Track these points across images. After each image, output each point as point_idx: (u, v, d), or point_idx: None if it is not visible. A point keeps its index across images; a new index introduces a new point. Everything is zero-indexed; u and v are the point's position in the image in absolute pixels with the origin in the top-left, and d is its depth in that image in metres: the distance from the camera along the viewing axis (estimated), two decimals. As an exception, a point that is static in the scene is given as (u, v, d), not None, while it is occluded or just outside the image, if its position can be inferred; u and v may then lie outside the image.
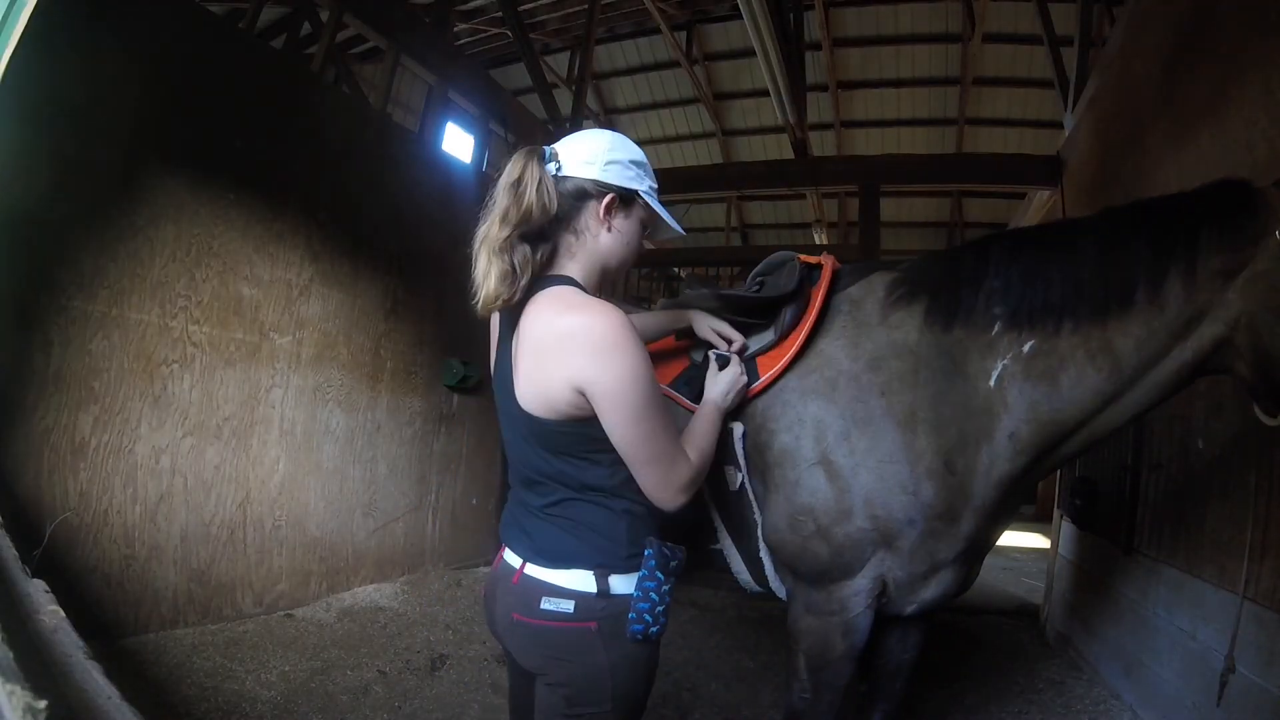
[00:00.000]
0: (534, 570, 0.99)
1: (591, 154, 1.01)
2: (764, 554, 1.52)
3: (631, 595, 0.97)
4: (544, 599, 0.96)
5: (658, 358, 1.54)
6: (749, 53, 5.86)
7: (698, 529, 1.60)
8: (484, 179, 4.24)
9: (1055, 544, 3.61)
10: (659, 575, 0.98)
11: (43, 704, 0.70)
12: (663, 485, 0.98)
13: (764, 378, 1.46)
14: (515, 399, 0.98)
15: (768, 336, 1.52)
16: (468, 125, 5.83)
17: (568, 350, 0.91)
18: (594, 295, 1.00)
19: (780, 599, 1.57)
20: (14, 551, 1.31)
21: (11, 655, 0.79)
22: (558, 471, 0.98)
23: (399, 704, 2.24)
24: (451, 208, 3.84)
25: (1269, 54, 1.82)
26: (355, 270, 3.29)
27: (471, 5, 6.87)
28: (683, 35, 7.64)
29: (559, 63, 7.37)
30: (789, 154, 5.62)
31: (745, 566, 1.59)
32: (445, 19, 4.84)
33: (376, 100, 3.91)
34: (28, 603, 1.16)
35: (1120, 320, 1.27)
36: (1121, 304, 1.26)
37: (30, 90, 1.79)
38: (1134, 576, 2.48)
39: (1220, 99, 2.06)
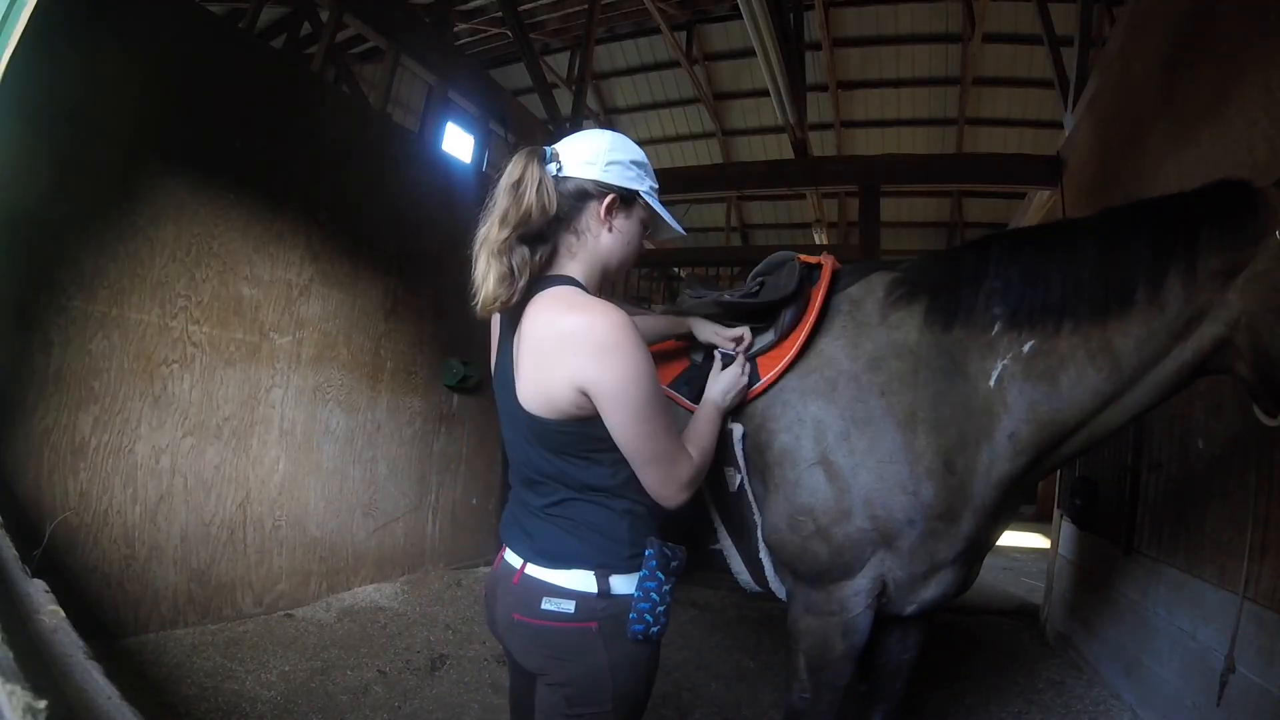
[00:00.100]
0: (535, 570, 0.99)
1: (592, 154, 1.01)
2: (764, 554, 1.52)
3: (632, 595, 0.97)
4: (545, 599, 0.96)
5: (658, 358, 1.53)
6: (749, 53, 5.86)
7: (698, 529, 1.60)
8: (484, 179, 4.24)
9: (1055, 544, 3.61)
10: (660, 575, 0.98)
11: (43, 704, 0.70)
12: (665, 483, 0.98)
13: (764, 378, 1.46)
14: (517, 399, 0.98)
15: (768, 337, 1.52)
16: (468, 125, 5.83)
17: (570, 350, 0.91)
18: (595, 295, 1.00)
19: (780, 599, 1.57)
20: (14, 551, 1.31)
21: (11, 655, 0.79)
22: (559, 471, 0.98)
23: (399, 704, 2.24)
24: (451, 208, 3.84)
25: (1269, 54, 1.82)
26: (355, 270, 3.29)
27: (471, 5, 6.86)
28: (683, 35, 7.64)
29: (559, 63, 7.37)
30: (789, 154, 5.62)
31: (745, 567, 1.59)
32: (445, 19, 4.84)
33: (376, 100, 3.91)
34: (28, 603, 1.16)
35: (1120, 320, 1.27)
36: (1121, 304, 1.26)
37: (30, 90, 1.79)
38: (1134, 576, 2.48)
39: (1220, 99, 2.05)
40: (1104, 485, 2.86)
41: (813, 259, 1.63)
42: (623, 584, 0.98)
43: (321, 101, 3.23)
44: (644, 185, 1.05)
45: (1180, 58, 2.42)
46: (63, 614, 1.13)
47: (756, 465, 1.49)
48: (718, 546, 1.61)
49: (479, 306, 0.98)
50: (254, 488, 2.80)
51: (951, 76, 7.41)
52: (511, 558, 1.04)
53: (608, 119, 8.91)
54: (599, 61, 7.99)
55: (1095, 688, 2.57)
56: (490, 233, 0.96)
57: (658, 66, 8.29)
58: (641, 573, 0.98)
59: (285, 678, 2.27)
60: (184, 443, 2.53)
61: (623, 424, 0.93)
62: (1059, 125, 4.37)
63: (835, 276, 1.58)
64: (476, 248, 0.98)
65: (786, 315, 1.51)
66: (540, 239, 0.99)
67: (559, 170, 1.00)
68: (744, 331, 1.46)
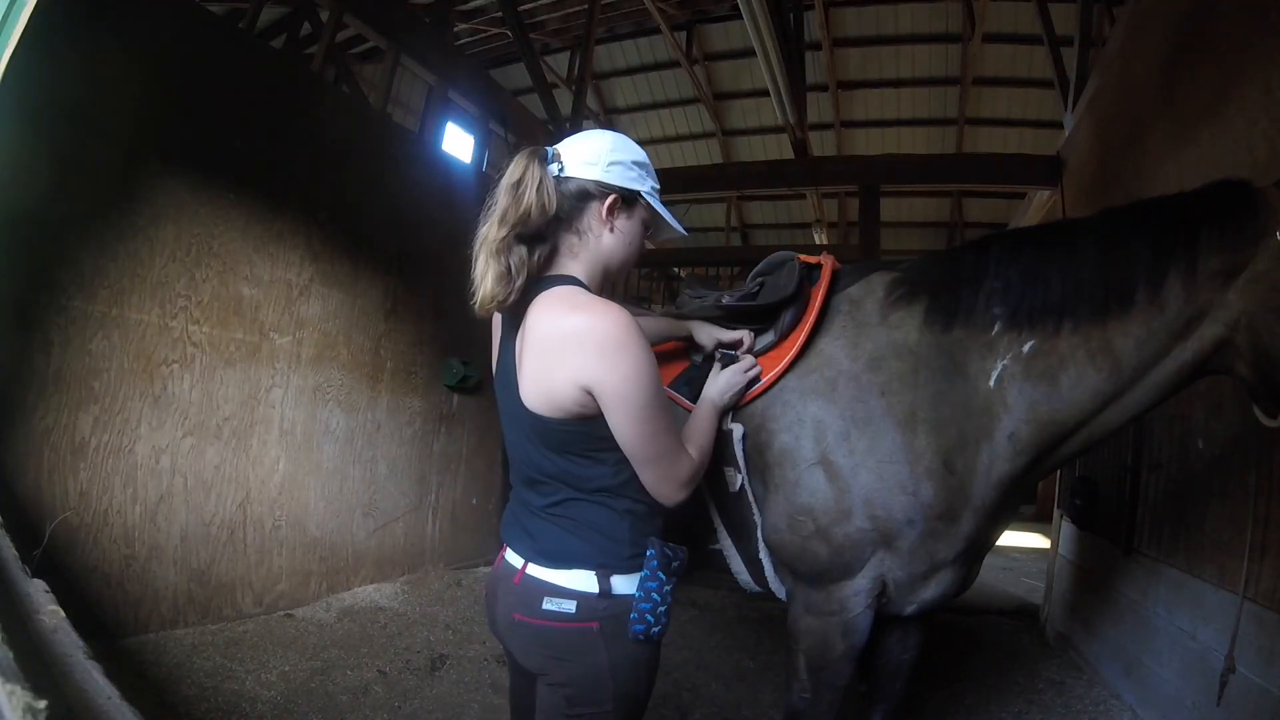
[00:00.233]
0: (536, 570, 0.99)
1: (594, 155, 1.01)
2: (763, 555, 1.52)
3: (633, 595, 0.97)
4: (546, 599, 0.97)
5: (658, 358, 1.54)
6: (749, 53, 5.86)
7: (698, 529, 1.60)
8: (484, 179, 4.24)
9: (1055, 544, 3.61)
10: (661, 575, 0.98)
11: (43, 704, 0.70)
12: (665, 481, 0.99)
13: (764, 379, 1.46)
14: (519, 398, 0.98)
15: (768, 337, 1.52)
16: (468, 125, 5.83)
17: (574, 349, 0.91)
18: (597, 295, 1.00)
19: (780, 599, 1.57)
20: (14, 551, 1.31)
21: (11, 655, 0.79)
22: (561, 471, 0.99)
23: (399, 704, 2.24)
24: (451, 208, 3.84)
25: (1269, 54, 1.82)
26: (355, 270, 3.29)
27: (471, 5, 6.86)
28: (683, 35, 7.64)
29: (559, 63, 7.37)
30: (789, 154, 5.62)
31: (745, 567, 1.59)
32: (445, 19, 4.84)
33: (376, 100, 3.91)
34: (28, 603, 1.16)
35: (1120, 320, 1.26)
36: (1121, 304, 1.26)
37: (30, 90, 1.79)
38: (1134, 576, 2.48)
39: (1220, 99, 2.05)
40: (1104, 485, 2.86)
41: (813, 259, 1.63)
42: (624, 584, 0.98)
43: (321, 101, 3.23)
44: (645, 186, 1.05)
45: (1180, 58, 2.42)
46: (63, 614, 1.13)
47: (756, 465, 1.49)
48: (718, 546, 1.61)
49: (477, 306, 0.98)
50: (254, 488, 2.80)
51: (951, 76, 7.41)
52: (512, 558, 1.04)
53: (608, 119, 8.91)
54: (599, 61, 7.99)
55: (1095, 688, 2.57)
56: (489, 232, 0.97)
57: (658, 66, 8.29)
58: (643, 573, 0.98)
59: (285, 678, 2.27)
60: (184, 443, 2.53)
61: (626, 423, 0.94)
62: (1059, 125, 4.37)
63: (835, 276, 1.58)
64: (476, 247, 0.98)
65: (786, 316, 1.52)
66: (539, 239, 0.99)
67: (561, 170, 1.00)
68: (743, 335, 1.46)
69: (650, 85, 8.65)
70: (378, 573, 3.40)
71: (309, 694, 2.20)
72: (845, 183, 5.92)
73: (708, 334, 1.49)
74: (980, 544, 1.47)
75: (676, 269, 6.96)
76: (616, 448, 0.97)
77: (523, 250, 0.97)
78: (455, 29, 6.41)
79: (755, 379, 1.45)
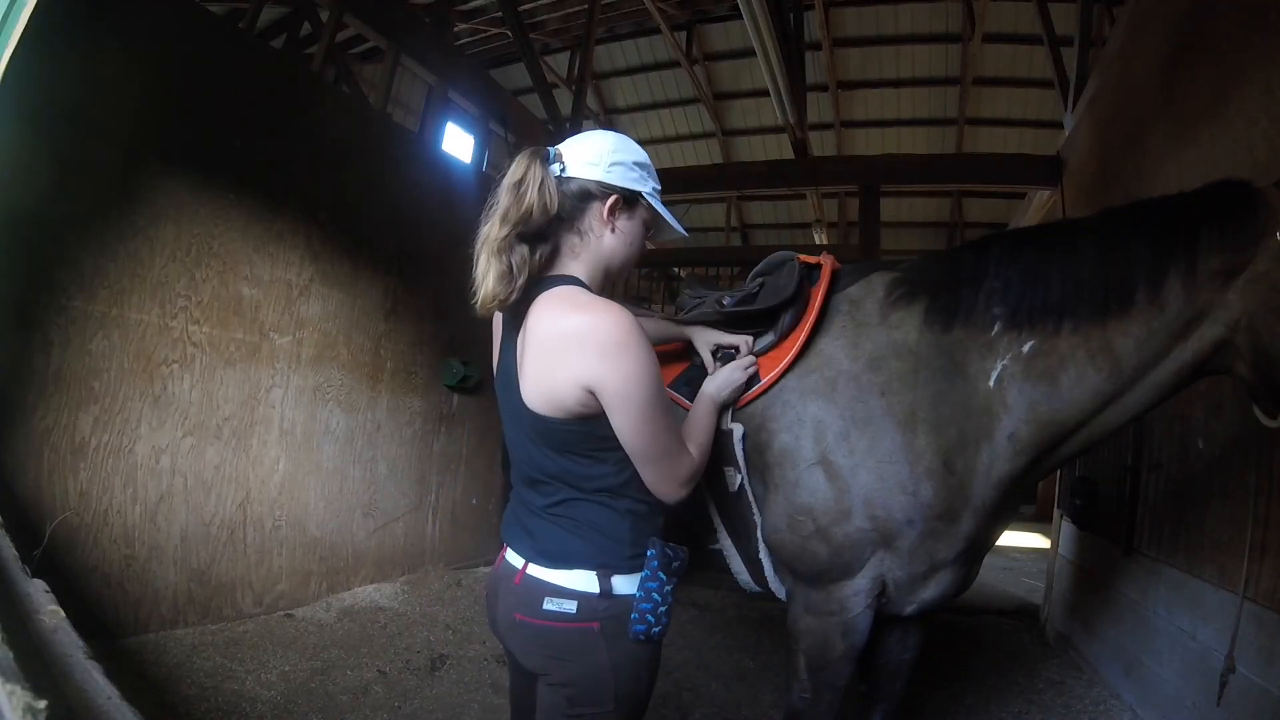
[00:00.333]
0: (536, 570, 0.99)
1: (596, 155, 1.01)
2: (763, 555, 1.52)
3: (634, 595, 0.97)
4: (547, 599, 0.97)
5: (658, 358, 1.54)
6: (749, 53, 5.86)
7: (698, 528, 1.60)
8: (484, 179, 4.24)
9: (1055, 544, 3.61)
10: (661, 575, 0.98)
11: (43, 704, 0.70)
12: (667, 480, 1.00)
13: (764, 379, 1.46)
14: (521, 398, 0.98)
15: (768, 338, 1.52)
16: (468, 125, 5.83)
17: (576, 349, 0.92)
18: (599, 295, 1.00)
19: (780, 599, 1.57)
20: (14, 551, 1.31)
21: (11, 655, 0.79)
22: (563, 470, 0.99)
23: (399, 704, 2.24)
24: (451, 208, 3.84)
25: (1269, 54, 1.82)
26: (355, 270, 3.28)
27: (471, 5, 6.86)
28: (683, 35, 7.64)
29: (559, 63, 7.37)
30: (789, 154, 5.62)
31: (745, 567, 1.59)
32: (445, 19, 4.84)
33: (376, 100, 3.91)
34: (28, 603, 1.16)
35: (1120, 320, 1.26)
36: (1121, 304, 1.26)
37: (30, 90, 1.79)
38: (1134, 576, 2.48)
39: (1220, 99, 2.05)
40: (1104, 485, 2.86)
41: (812, 259, 1.63)
42: (624, 584, 0.98)
43: (321, 101, 3.23)
44: (647, 187, 1.05)
45: (1180, 58, 2.42)
46: (63, 614, 1.13)
47: (756, 465, 1.49)
48: (718, 546, 1.61)
49: (479, 305, 0.98)
50: (254, 488, 2.80)
51: (951, 76, 7.41)
52: (513, 558, 1.04)
53: (608, 119, 8.91)
54: (599, 61, 7.99)
55: (1095, 688, 2.57)
56: (491, 231, 0.97)
57: (658, 66, 8.29)
58: (643, 573, 0.98)
59: (285, 678, 2.27)
60: (184, 443, 2.53)
61: (628, 422, 0.94)
62: (1059, 125, 4.37)
63: (835, 276, 1.58)
64: (478, 246, 0.99)
65: (786, 316, 1.52)
66: (540, 238, 0.99)
67: (562, 170, 1.00)
68: (742, 340, 1.46)
69: (650, 85, 8.65)
70: (378, 573, 3.40)
71: (309, 694, 2.20)
72: (845, 183, 5.93)
73: (706, 338, 1.49)
74: (980, 544, 1.47)
75: (676, 269, 6.96)
76: (618, 447, 0.97)
77: (524, 249, 0.97)
78: (455, 29, 6.41)
79: (755, 376, 1.45)
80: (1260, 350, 1.18)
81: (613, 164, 1.01)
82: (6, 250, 1.98)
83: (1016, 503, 1.51)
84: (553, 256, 1.02)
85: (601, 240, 1.03)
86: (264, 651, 2.44)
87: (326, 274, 3.12)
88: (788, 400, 1.46)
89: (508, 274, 0.96)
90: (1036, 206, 4.97)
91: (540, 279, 1.00)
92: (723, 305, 1.64)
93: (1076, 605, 3.11)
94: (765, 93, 5.03)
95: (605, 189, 1.01)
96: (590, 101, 7.73)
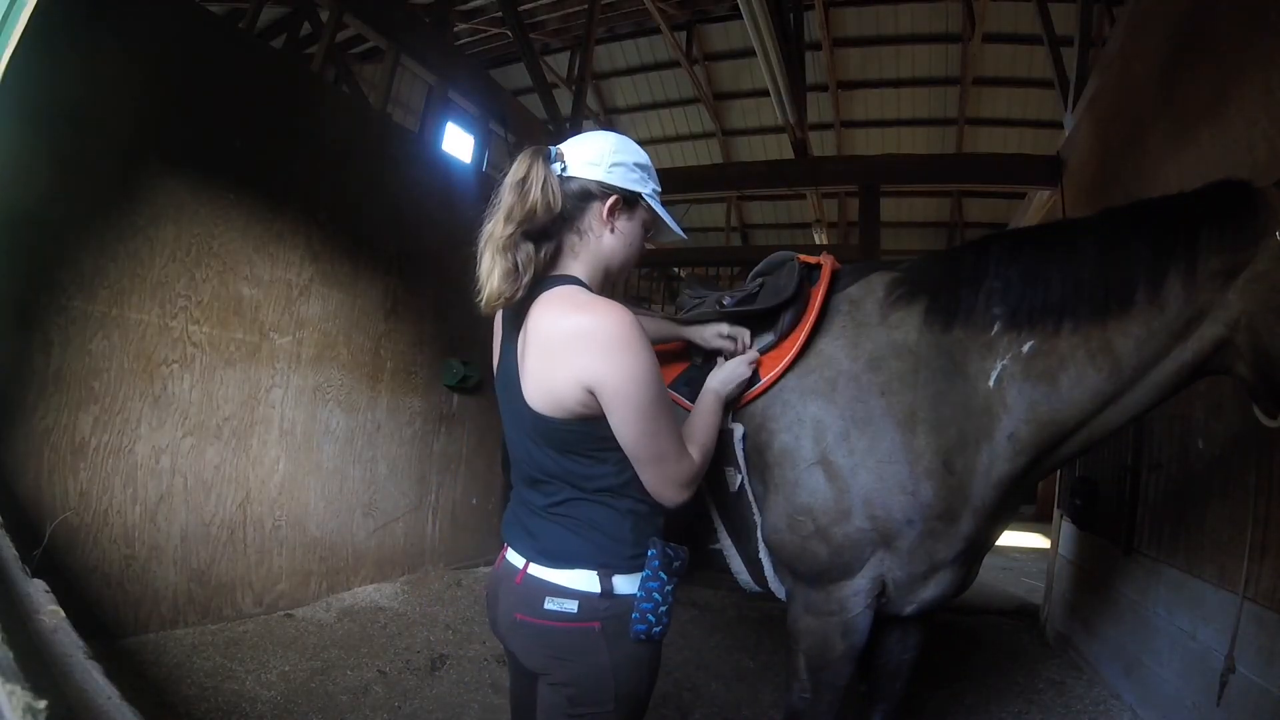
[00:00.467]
0: (537, 570, 0.99)
1: (596, 155, 1.01)
2: (763, 555, 1.52)
3: (635, 595, 0.97)
4: (548, 599, 0.97)
5: (659, 358, 1.55)
6: (749, 53, 5.86)
7: (699, 528, 1.60)
8: (484, 179, 4.24)
9: (1055, 544, 3.61)
10: (662, 575, 0.98)
11: (43, 704, 0.70)
12: (666, 483, 0.99)
13: (764, 379, 1.46)
14: (522, 397, 0.98)
15: (768, 337, 1.52)
16: (468, 125, 5.83)
17: (576, 349, 0.92)
18: (599, 295, 1.00)
19: (780, 599, 1.57)
20: (14, 551, 1.31)
21: (11, 655, 0.79)
22: (564, 470, 0.99)
23: (399, 704, 2.24)
24: (451, 208, 3.84)
25: (1269, 54, 1.82)
26: (355, 270, 3.28)
27: (471, 5, 6.86)
28: (683, 35, 7.64)
29: (559, 63, 7.37)
30: (789, 154, 5.62)
31: (745, 567, 1.59)
32: (445, 19, 4.84)
33: (376, 100, 3.91)
34: (28, 603, 1.16)
35: (1120, 320, 1.26)
36: (1121, 304, 1.26)
37: (30, 90, 1.79)
38: (1134, 576, 2.48)
39: (1220, 99, 2.05)
40: (1104, 485, 2.86)
41: (812, 259, 1.63)
42: (625, 584, 0.98)
43: (321, 101, 3.22)
44: (647, 188, 1.05)
45: (1180, 58, 2.42)
46: (63, 614, 1.13)
47: (756, 465, 1.49)
48: (718, 546, 1.61)
49: (483, 303, 0.98)
50: (254, 488, 2.80)
51: (951, 76, 7.41)
52: (514, 557, 1.04)
53: (608, 119, 8.91)
54: (599, 61, 7.99)
55: (1095, 688, 2.57)
56: (495, 229, 0.97)
57: (658, 66, 8.29)
58: (644, 573, 0.98)
59: (285, 678, 2.27)
60: (184, 443, 2.53)
61: (627, 422, 0.94)
62: (1059, 125, 4.37)
63: (835, 276, 1.58)
64: (481, 244, 0.99)
65: (786, 316, 1.52)
66: (545, 236, 0.99)
67: (563, 170, 1.01)
68: (742, 332, 1.46)
69: (650, 85, 8.65)
70: (378, 573, 3.40)
71: (309, 694, 2.20)
72: (845, 183, 5.92)
73: (704, 334, 1.49)
74: (980, 544, 1.47)
75: (676, 269, 6.96)
76: (619, 447, 0.97)
77: (529, 247, 0.97)
78: (455, 29, 6.41)
79: (755, 375, 1.45)
80: (1260, 350, 1.18)
81: (613, 164, 1.01)
82: (6, 250, 1.98)
83: (1016, 503, 1.51)
84: (555, 255, 1.02)
85: (601, 240, 1.03)
86: (264, 651, 2.44)
87: (326, 274, 3.12)
88: (788, 400, 1.46)
89: (513, 272, 0.96)
90: (1036, 206, 4.97)
91: (541, 279, 1.00)
92: (723, 305, 1.64)
93: (1076, 605, 3.11)
94: (765, 93, 5.03)
95: (605, 189, 1.01)
96: (590, 101, 7.73)
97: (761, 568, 1.54)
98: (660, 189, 1.09)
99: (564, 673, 0.97)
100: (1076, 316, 1.30)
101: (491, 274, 0.96)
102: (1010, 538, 6.61)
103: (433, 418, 3.81)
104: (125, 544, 2.33)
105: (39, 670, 0.91)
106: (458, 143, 6.12)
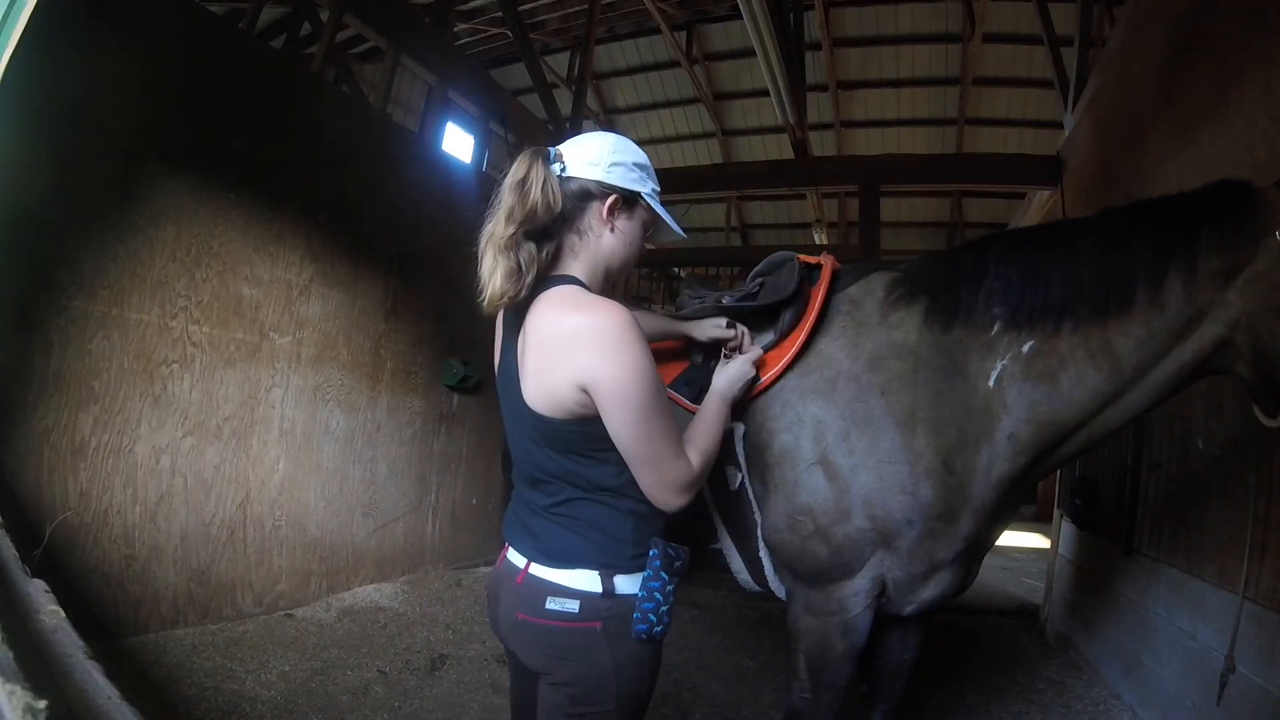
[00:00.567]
0: (539, 570, 0.99)
1: (595, 155, 1.02)
2: (763, 554, 1.52)
3: (636, 595, 0.97)
4: (549, 599, 0.97)
5: (658, 358, 1.54)
6: (749, 53, 5.86)
7: (699, 528, 1.60)
8: (484, 179, 4.24)
9: (1055, 544, 3.61)
10: (664, 575, 0.98)
11: (43, 704, 0.70)
12: (663, 486, 0.98)
13: (764, 378, 1.46)
14: (522, 397, 0.98)
15: (768, 337, 1.52)
16: (468, 125, 5.83)
17: (574, 348, 0.92)
18: (599, 295, 1.00)
19: (780, 599, 1.57)
20: (14, 551, 1.31)
21: (11, 655, 0.79)
22: (565, 470, 0.99)
23: (399, 704, 2.24)
24: (451, 208, 3.84)
25: (1269, 54, 1.82)
26: (355, 270, 3.28)
27: (471, 5, 6.86)
28: (683, 35, 7.64)
29: (559, 63, 7.37)
30: (789, 154, 5.62)
31: (745, 566, 1.59)
32: (445, 19, 4.84)
33: (376, 100, 3.91)
34: (28, 603, 1.16)
35: (1120, 320, 1.27)
36: (1121, 304, 1.26)
37: (30, 90, 1.79)
38: (1134, 576, 2.48)
39: (1220, 99, 2.05)
40: (1104, 485, 2.86)
41: (813, 259, 1.63)
42: (627, 584, 0.98)
43: (321, 101, 3.23)
44: (646, 188, 1.06)
45: (1180, 58, 2.42)
46: (63, 614, 1.13)
47: (756, 465, 1.49)
48: (718, 546, 1.61)
49: (485, 303, 0.98)
50: (254, 488, 2.80)
51: (951, 76, 7.41)
52: (515, 557, 1.04)
53: (608, 119, 8.91)
54: (599, 61, 7.99)
55: (1095, 688, 2.57)
56: (496, 229, 0.97)
57: (658, 66, 8.29)
58: (645, 573, 0.98)
59: (285, 678, 2.27)
60: (184, 443, 2.53)
61: (620, 421, 0.93)
62: (1059, 125, 4.37)
63: (835, 276, 1.58)
64: (482, 244, 0.99)
65: (786, 315, 1.52)
66: (546, 236, 0.99)
67: (563, 170, 1.01)
68: (742, 330, 1.46)
69: (650, 85, 8.65)
70: (378, 573, 3.40)
71: (309, 694, 2.19)
72: (845, 183, 5.93)
73: (702, 328, 1.48)
74: (980, 544, 1.47)
75: (676, 269, 6.96)
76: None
77: (531, 247, 0.97)
78: (455, 29, 6.41)
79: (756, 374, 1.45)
80: (1260, 350, 1.18)
81: (612, 164, 1.02)
82: (6, 250, 1.98)
83: (1016, 503, 1.51)
84: (556, 255, 1.02)
85: (601, 240, 1.03)
86: (264, 651, 2.44)
87: (326, 274, 3.12)
88: (788, 400, 1.46)
89: (515, 271, 0.96)
90: (1036, 206, 4.97)
91: (541, 279, 1.00)
92: (723, 305, 1.64)
93: (1076, 605, 3.11)
94: (765, 93, 5.03)
95: (605, 189, 1.02)
96: (590, 101, 7.73)
97: (762, 567, 1.54)
98: (659, 189, 1.10)
99: (565, 672, 0.97)
100: (1076, 316, 1.30)
101: (494, 274, 0.96)
102: (1010, 538, 6.61)
103: (433, 418, 3.81)
104: (125, 544, 2.33)
105: (39, 670, 0.91)
106: (458, 143, 6.12)
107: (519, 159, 0.99)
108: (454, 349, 3.84)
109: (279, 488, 2.91)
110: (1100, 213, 1.39)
